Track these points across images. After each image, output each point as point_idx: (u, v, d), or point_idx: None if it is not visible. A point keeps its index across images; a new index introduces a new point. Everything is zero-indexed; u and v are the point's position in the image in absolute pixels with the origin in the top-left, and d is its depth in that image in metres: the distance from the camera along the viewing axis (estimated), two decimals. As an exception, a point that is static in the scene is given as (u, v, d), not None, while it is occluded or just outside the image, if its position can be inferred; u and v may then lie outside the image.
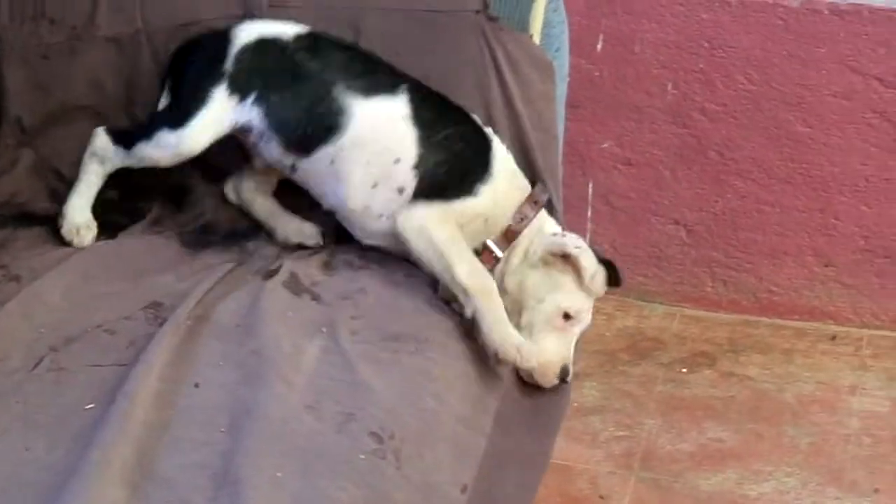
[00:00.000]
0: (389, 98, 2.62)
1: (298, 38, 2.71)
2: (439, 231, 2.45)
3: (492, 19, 2.79)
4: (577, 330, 2.52)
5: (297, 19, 2.78)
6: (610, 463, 3.19)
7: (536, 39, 2.85)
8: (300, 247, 2.71)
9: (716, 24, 3.60)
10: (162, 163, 2.74)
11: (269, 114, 2.64)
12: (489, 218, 2.53)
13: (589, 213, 3.87)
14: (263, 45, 2.71)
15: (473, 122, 2.65)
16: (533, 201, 2.57)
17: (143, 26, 2.97)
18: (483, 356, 2.37)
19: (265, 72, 2.67)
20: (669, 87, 3.70)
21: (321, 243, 2.71)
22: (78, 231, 2.74)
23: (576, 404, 3.26)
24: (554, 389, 2.53)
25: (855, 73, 3.55)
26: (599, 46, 3.70)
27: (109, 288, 2.54)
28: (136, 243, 2.76)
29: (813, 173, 3.68)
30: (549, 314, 2.47)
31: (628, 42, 3.68)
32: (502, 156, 2.61)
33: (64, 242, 2.75)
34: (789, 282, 3.81)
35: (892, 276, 3.73)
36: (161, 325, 2.36)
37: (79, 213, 2.76)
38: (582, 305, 2.51)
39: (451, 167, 2.55)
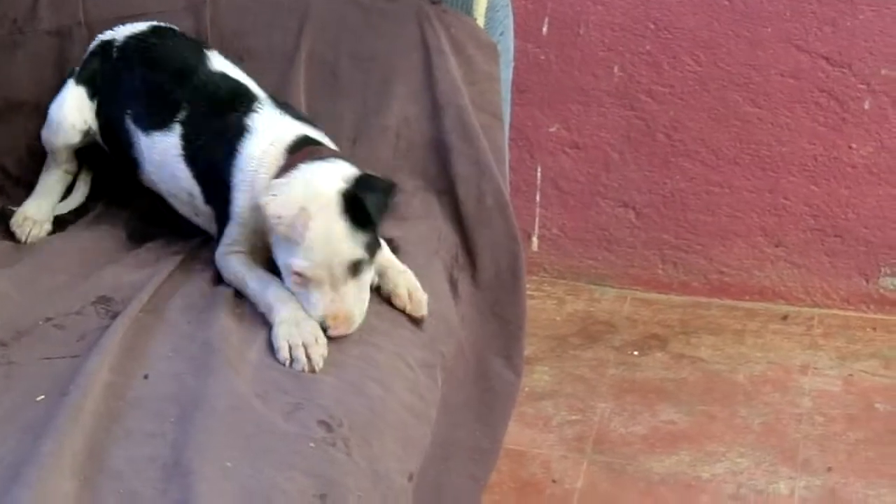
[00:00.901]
0: (164, 135, 2.60)
1: (125, 43, 2.75)
2: (227, 262, 2.45)
3: (435, 2, 2.78)
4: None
5: (239, 8, 2.77)
6: (562, 447, 3.19)
7: (481, 22, 2.85)
8: None
9: (661, 6, 3.61)
10: (57, 144, 2.79)
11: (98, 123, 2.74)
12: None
13: (538, 198, 3.86)
14: (101, 49, 2.78)
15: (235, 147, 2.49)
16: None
17: (85, 18, 2.95)
18: (428, 343, 2.35)
19: (95, 78, 2.76)
20: (616, 69, 3.70)
21: None
22: (25, 224, 2.72)
23: (527, 389, 3.27)
24: (502, 380, 2.54)
25: (801, 51, 3.56)
26: (545, 30, 3.69)
27: (59, 281, 2.52)
28: (83, 236, 2.74)
29: (762, 153, 3.69)
30: (289, 278, 2.31)
31: (574, 25, 3.68)
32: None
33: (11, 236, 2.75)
34: (740, 262, 3.82)
35: (843, 254, 3.75)
36: (112, 318, 2.34)
37: (34, 209, 2.77)
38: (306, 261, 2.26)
39: None
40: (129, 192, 2.85)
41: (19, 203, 2.83)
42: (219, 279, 2.49)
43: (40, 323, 2.38)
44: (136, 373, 2.17)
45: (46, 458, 1.89)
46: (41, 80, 2.97)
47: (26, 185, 2.90)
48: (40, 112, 2.88)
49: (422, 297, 2.38)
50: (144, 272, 2.54)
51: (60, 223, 2.81)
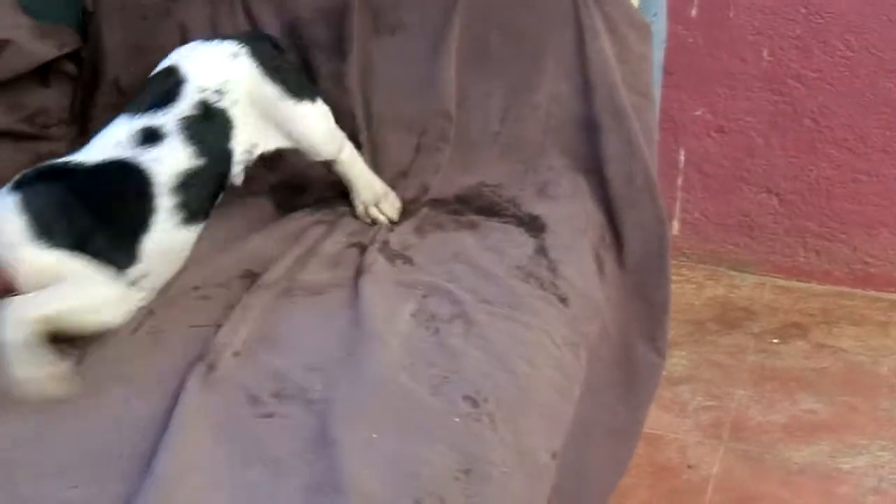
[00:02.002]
0: None
1: None
2: None
3: (589, -20, 2.77)
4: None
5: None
6: (699, 433, 3.16)
7: (635, 2, 2.81)
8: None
9: (813, -11, 3.55)
10: None
11: None
12: None
13: (680, 181, 3.83)
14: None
15: None
16: None
17: (237, -12, 2.99)
18: (574, 322, 2.34)
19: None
20: (765, 53, 3.65)
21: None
22: None
23: (664, 373, 3.22)
24: (646, 362, 2.53)
25: (956, 39, 3.49)
26: (694, 12, 3.66)
27: (205, 250, 2.53)
28: (230, 205, 2.76)
29: (911, 142, 3.62)
30: None
31: (723, 7, 3.63)
32: None
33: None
34: (885, 253, 3.76)
35: None
36: (251, 288, 2.38)
37: None
38: None
39: None
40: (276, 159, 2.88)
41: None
42: (364, 248, 2.50)
43: (188, 291, 2.41)
44: (280, 343, 2.20)
45: (189, 425, 1.92)
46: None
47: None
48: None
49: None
50: (289, 243, 2.56)
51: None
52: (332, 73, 2.88)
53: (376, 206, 2.66)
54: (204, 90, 2.42)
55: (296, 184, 2.81)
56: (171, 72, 2.47)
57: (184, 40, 2.97)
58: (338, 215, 2.70)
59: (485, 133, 2.79)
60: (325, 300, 2.33)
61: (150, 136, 2.35)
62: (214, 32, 2.96)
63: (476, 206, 2.64)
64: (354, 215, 2.68)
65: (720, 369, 3.42)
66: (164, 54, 2.88)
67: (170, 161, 2.33)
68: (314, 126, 2.57)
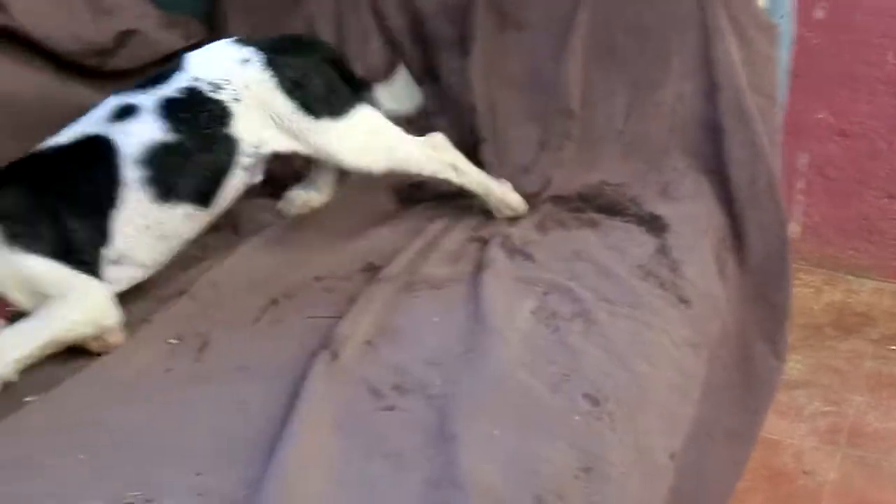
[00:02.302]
0: None
1: None
2: None
3: (718, -20, 2.75)
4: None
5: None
6: (815, 438, 3.13)
7: (762, 3, 2.79)
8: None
9: (941, -7, 3.49)
10: None
11: None
12: None
13: (801, 185, 3.79)
14: None
15: None
16: None
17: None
18: (695, 322, 2.33)
19: None
20: (889, 56, 3.60)
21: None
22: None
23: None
24: (766, 365, 2.50)
25: None
26: (819, 14, 3.61)
27: (328, 242, 2.57)
28: (352, 197, 2.78)
29: None
30: None
31: (849, 10, 3.59)
32: None
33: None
34: None
35: None
36: (372, 281, 2.40)
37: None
38: None
39: None
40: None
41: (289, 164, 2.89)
42: (485, 243, 2.51)
43: (309, 283, 2.45)
44: (400, 336, 2.21)
45: (312, 417, 1.93)
46: (314, 34, 3.06)
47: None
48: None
49: None
50: (410, 237, 2.59)
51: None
52: (455, 69, 2.89)
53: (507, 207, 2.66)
54: (197, 80, 2.41)
55: (415, 183, 2.83)
56: (177, 62, 2.48)
57: (308, 32, 3.00)
58: (459, 209, 2.72)
59: (608, 131, 2.79)
60: (446, 295, 2.34)
61: (126, 111, 2.36)
62: (339, 26, 2.99)
63: (597, 205, 2.64)
64: (474, 212, 2.69)
65: (837, 374, 3.38)
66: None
67: (138, 132, 2.33)
68: (336, 141, 2.48)
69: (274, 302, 2.37)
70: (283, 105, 2.43)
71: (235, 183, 2.43)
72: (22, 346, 2.13)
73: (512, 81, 2.87)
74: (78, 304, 2.20)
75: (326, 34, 3.02)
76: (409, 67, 2.96)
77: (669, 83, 2.76)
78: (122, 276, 2.32)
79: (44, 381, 2.15)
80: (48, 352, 2.17)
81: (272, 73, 2.43)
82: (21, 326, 2.15)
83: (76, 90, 2.74)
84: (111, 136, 2.32)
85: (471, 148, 2.84)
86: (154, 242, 2.35)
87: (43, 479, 1.87)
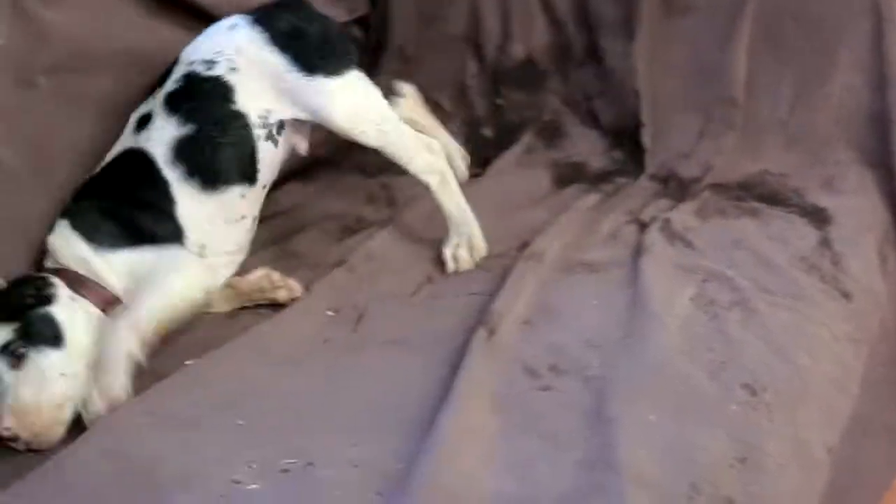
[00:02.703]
0: None
1: None
2: None
3: (890, -31, 2.70)
4: None
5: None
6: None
7: (938, -8, 2.74)
8: None
9: None
10: None
11: None
12: None
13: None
14: None
15: None
16: None
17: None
18: (855, 317, 2.29)
19: None
20: None
21: None
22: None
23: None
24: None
25: None
26: None
27: (480, 218, 2.56)
28: (507, 176, 2.79)
29: None
30: None
31: None
32: None
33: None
34: None
35: None
36: (528, 260, 2.39)
37: None
38: None
39: None
40: (555, 135, 2.90)
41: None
42: (643, 226, 2.51)
43: (466, 260, 2.46)
44: (557, 317, 2.21)
45: (469, 393, 1.95)
46: (477, 17, 3.07)
47: (459, 122, 2.98)
48: (477, 48, 2.96)
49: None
50: (567, 218, 2.58)
51: (484, 161, 2.87)
52: (619, 52, 2.89)
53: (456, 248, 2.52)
54: (192, 64, 2.43)
55: (575, 160, 2.82)
56: (174, 60, 2.50)
57: (472, 11, 3.01)
58: (616, 190, 2.72)
59: (772, 121, 2.76)
60: (604, 278, 2.34)
61: (144, 120, 2.42)
62: (503, 5, 3.00)
63: (758, 194, 2.60)
64: (630, 194, 2.70)
65: None
66: (452, 25, 2.94)
67: (157, 136, 2.38)
68: (328, 101, 2.43)
69: (429, 278, 2.39)
70: (277, 62, 2.41)
71: (269, 156, 2.45)
72: (139, 326, 2.17)
73: (675, 67, 2.85)
74: (185, 277, 2.28)
75: (491, 14, 3.03)
76: (571, 48, 2.95)
77: (838, 74, 2.71)
78: (214, 263, 2.37)
79: (204, 346, 2.21)
80: (167, 327, 2.22)
81: (261, 28, 2.43)
82: (141, 302, 2.20)
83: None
84: (141, 146, 2.39)
85: (629, 132, 2.83)
86: (227, 228, 2.40)
87: (204, 442, 1.91)
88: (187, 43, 2.52)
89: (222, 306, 2.39)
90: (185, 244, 2.33)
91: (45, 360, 2.06)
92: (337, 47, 2.50)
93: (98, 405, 2.06)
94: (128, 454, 1.87)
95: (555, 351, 2.09)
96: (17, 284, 2.15)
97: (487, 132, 2.98)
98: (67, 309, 2.15)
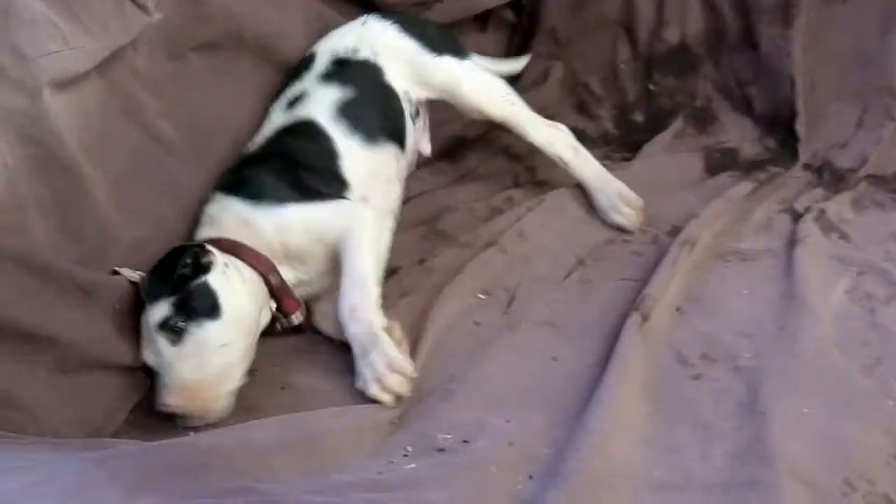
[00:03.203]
0: None
1: None
2: None
3: None
4: None
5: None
6: None
7: None
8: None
9: None
10: None
11: None
12: None
13: None
14: None
15: None
16: None
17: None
18: None
19: None
20: None
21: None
22: None
23: None
24: None
25: None
26: None
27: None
28: (658, 160, 2.77)
29: None
30: None
31: None
32: None
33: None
34: None
35: None
36: (681, 246, 2.37)
37: None
38: None
39: None
40: (707, 122, 2.88)
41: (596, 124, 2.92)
42: (796, 216, 2.48)
43: (616, 243, 2.47)
44: (709, 305, 2.20)
45: (622, 379, 1.94)
46: (631, 2, 3.05)
47: (609, 106, 2.96)
48: (630, 33, 2.95)
49: None
50: (719, 205, 2.56)
51: (634, 145, 2.87)
52: (775, 39, 2.85)
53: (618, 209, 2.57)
54: (335, 53, 2.55)
55: (727, 146, 2.79)
56: (302, 62, 2.59)
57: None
58: (769, 179, 2.69)
59: (933, 112, 2.70)
60: (757, 267, 2.32)
61: (296, 99, 2.47)
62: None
63: (917, 187, 2.56)
64: (782, 183, 2.67)
65: None
66: (606, 8, 2.92)
67: (317, 103, 2.44)
68: (457, 79, 2.60)
69: (581, 262, 2.38)
70: (410, 46, 2.59)
71: (410, 130, 2.56)
72: (368, 291, 2.14)
73: (833, 56, 2.81)
74: (361, 222, 2.26)
75: (645, -2, 3.01)
76: (726, 33, 2.93)
77: None
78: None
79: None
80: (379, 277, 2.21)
81: (391, 21, 2.62)
82: (348, 282, 2.16)
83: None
84: (299, 116, 2.44)
85: (783, 120, 2.80)
86: (385, 186, 2.44)
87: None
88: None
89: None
90: (348, 195, 2.35)
91: (204, 333, 2.06)
92: (453, 38, 2.72)
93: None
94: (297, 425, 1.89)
95: (706, 339, 2.08)
96: (172, 256, 2.13)
97: (638, 117, 2.96)
98: (223, 277, 2.15)
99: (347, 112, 2.43)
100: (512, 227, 2.50)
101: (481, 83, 2.62)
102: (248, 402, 2.05)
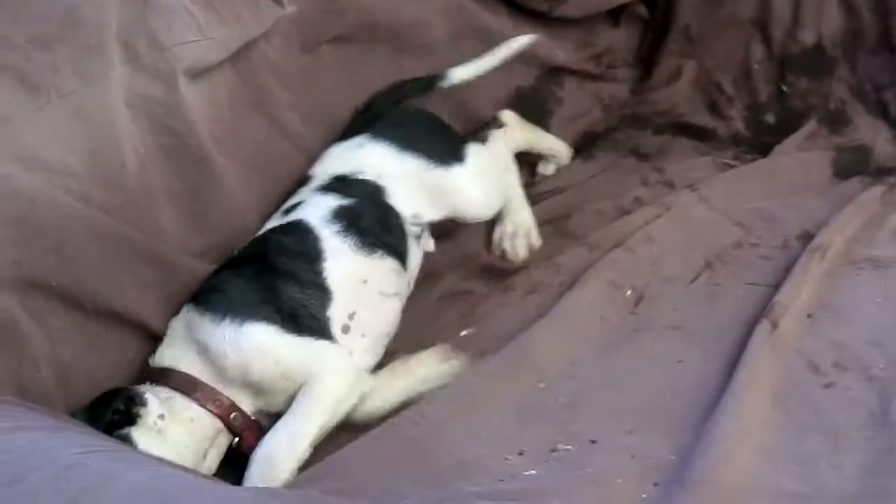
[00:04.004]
0: None
1: None
2: None
3: None
4: None
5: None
6: None
7: None
8: None
9: None
10: None
11: None
12: None
13: None
14: None
15: None
16: None
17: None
18: None
19: None
20: None
21: None
22: None
23: None
24: None
25: None
26: None
27: (758, 205, 2.53)
28: (787, 160, 2.73)
29: None
30: None
31: None
32: None
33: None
34: None
35: None
36: (812, 253, 2.32)
37: None
38: None
39: None
40: (841, 123, 2.82)
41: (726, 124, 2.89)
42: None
43: (747, 248, 2.42)
44: (841, 312, 2.15)
45: (750, 387, 1.91)
46: (767, 1, 2.99)
47: (741, 107, 2.93)
48: (764, 32, 2.92)
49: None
50: (850, 210, 2.50)
51: (764, 147, 2.82)
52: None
53: (512, 238, 2.54)
54: (336, 174, 2.35)
55: (859, 145, 2.74)
56: (301, 178, 2.41)
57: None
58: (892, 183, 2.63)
59: None
60: (891, 274, 2.27)
61: (292, 207, 2.31)
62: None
63: None
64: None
65: None
66: (740, 8, 2.89)
67: (312, 208, 2.27)
68: (465, 196, 2.42)
69: (709, 265, 2.35)
70: (414, 164, 2.39)
71: (414, 254, 2.37)
72: (297, 449, 2.02)
73: None
74: (336, 378, 2.09)
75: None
76: (864, 35, 2.87)
77: None
78: (354, 346, 2.21)
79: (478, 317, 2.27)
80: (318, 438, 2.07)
81: (388, 141, 2.40)
82: (287, 428, 2.04)
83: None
84: (291, 218, 2.29)
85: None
86: (377, 301, 2.25)
87: (478, 418, 1.94)
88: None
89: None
90: (331, 311, 2.18)
91: None
92: (446, 131, 2.53)
93: None
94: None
95: (838, 347, 2.04)
96: (106, 398, 1.98)
97: (769, 118, 2.91)
98: (153, 430, 2.01)
99: (342, 215, 2.26)
100: (640, 230, 2.47)
101: (486, 194, 2.48)
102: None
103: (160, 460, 1.62)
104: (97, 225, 2.04)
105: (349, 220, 2.25)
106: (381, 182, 2.34)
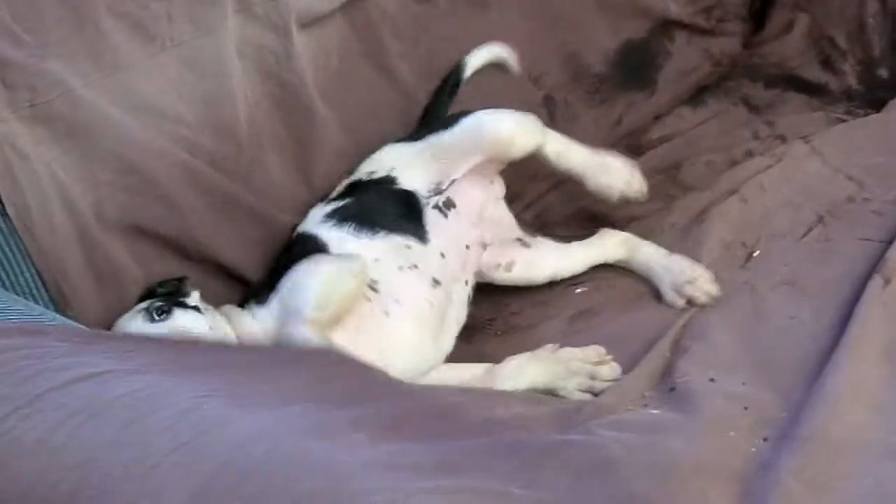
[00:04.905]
0: None
1: None
2: None
3: None
4: None
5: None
6: None
7: None
8: None
9: None
10: None
11: None
12: None
13: None
14: None
15: None
16: None
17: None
18: None
19: None
20: None
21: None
22: None
23: None
24: None
25: None
26: None
27: (872, 159, 2.49)
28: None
29: None
30: None
31: None
32: None
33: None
34: None
35: None
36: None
37: None
38: None
39: None
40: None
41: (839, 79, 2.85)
42: None
43: (859, 203, 2.38)
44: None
45: (858, 342, 1.89)
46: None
47: (854, 61, 2.89)
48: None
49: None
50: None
51: (877, 101, 2.77)
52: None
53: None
54: (352, 179, 2.31)
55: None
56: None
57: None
58: None
59: None
60: None
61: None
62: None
63: None
64: None
65: None
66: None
67: (315, 216, 2.24)
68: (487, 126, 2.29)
69: (820, 219, 2.32)
70: (420, 145, 2.32)
71: (441, 224, 2.29)
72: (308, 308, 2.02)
73: None
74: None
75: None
76: None
77: None
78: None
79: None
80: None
81: (406, 140, 2.35)
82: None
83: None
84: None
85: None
86: (397, 274, 2.21)
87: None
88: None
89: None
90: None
91: None
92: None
93: None
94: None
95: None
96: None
97: (883, 73, 2.86)
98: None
99: (336, 214, 2.22)
100: (753, 178, 2.45)
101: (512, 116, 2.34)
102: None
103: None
104: (206, 178, 2.08)
105: (341, 214, 2.21)
106: (391, 174, 2.29)
